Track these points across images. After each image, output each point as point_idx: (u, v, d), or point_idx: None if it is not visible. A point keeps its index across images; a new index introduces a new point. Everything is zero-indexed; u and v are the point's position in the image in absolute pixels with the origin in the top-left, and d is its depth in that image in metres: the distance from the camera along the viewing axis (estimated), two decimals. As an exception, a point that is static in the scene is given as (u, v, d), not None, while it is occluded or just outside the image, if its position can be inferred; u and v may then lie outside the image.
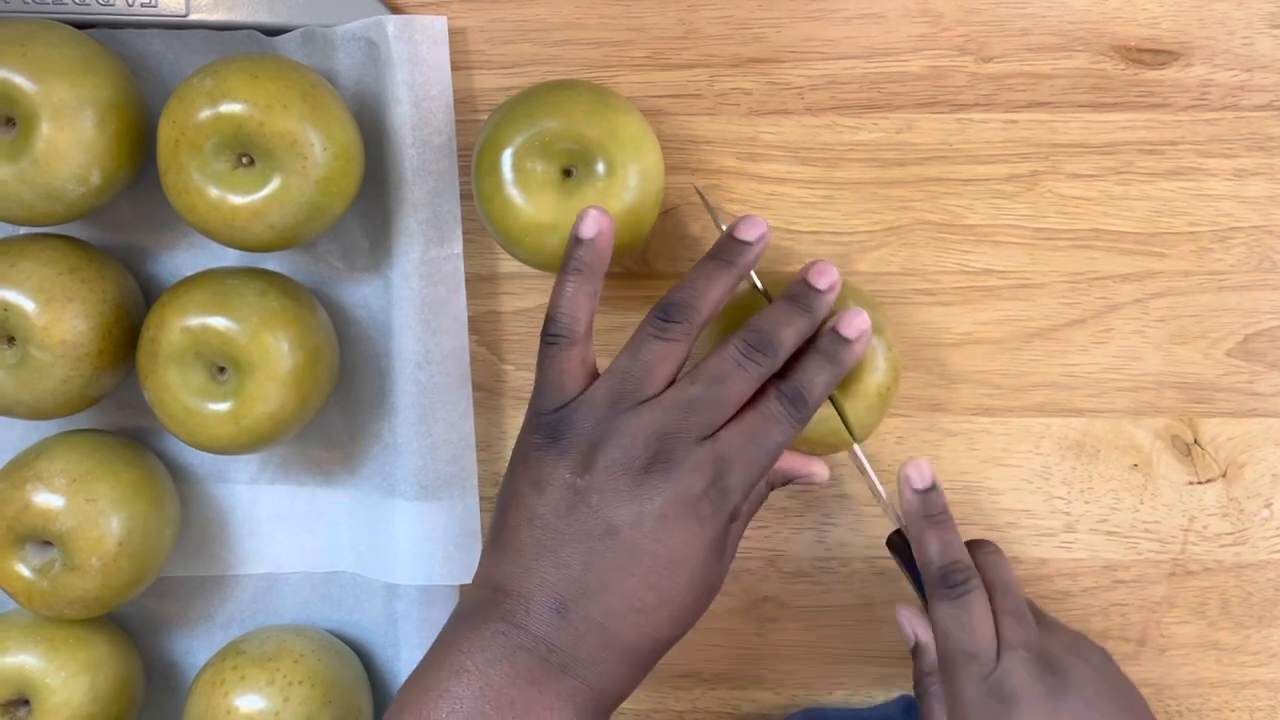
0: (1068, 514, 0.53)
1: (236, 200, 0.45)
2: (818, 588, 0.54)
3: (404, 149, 0.49)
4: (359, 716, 0.52)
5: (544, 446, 0.42)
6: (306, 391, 0.48)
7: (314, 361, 0.48)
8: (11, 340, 0.47)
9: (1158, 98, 0.50)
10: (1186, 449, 0.53)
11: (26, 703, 0.50)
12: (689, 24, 0.50)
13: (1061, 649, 0.45)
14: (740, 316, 0.45)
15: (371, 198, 0.51)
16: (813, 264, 0.45)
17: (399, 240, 0.50)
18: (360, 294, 0.52)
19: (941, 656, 0.45)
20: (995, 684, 0.43)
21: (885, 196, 0.51)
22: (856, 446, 0.47)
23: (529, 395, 0.44)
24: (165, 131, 0.45)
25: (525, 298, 0.52)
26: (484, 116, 0.51)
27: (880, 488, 0.48)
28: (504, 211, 0.46)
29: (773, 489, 0.48)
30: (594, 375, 0.43)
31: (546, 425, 0.42)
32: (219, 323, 0.46)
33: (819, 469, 0.48)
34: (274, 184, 0.45)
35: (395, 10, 0.49)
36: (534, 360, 0.44)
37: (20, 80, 0.44)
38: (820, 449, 0.48)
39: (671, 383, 0.43)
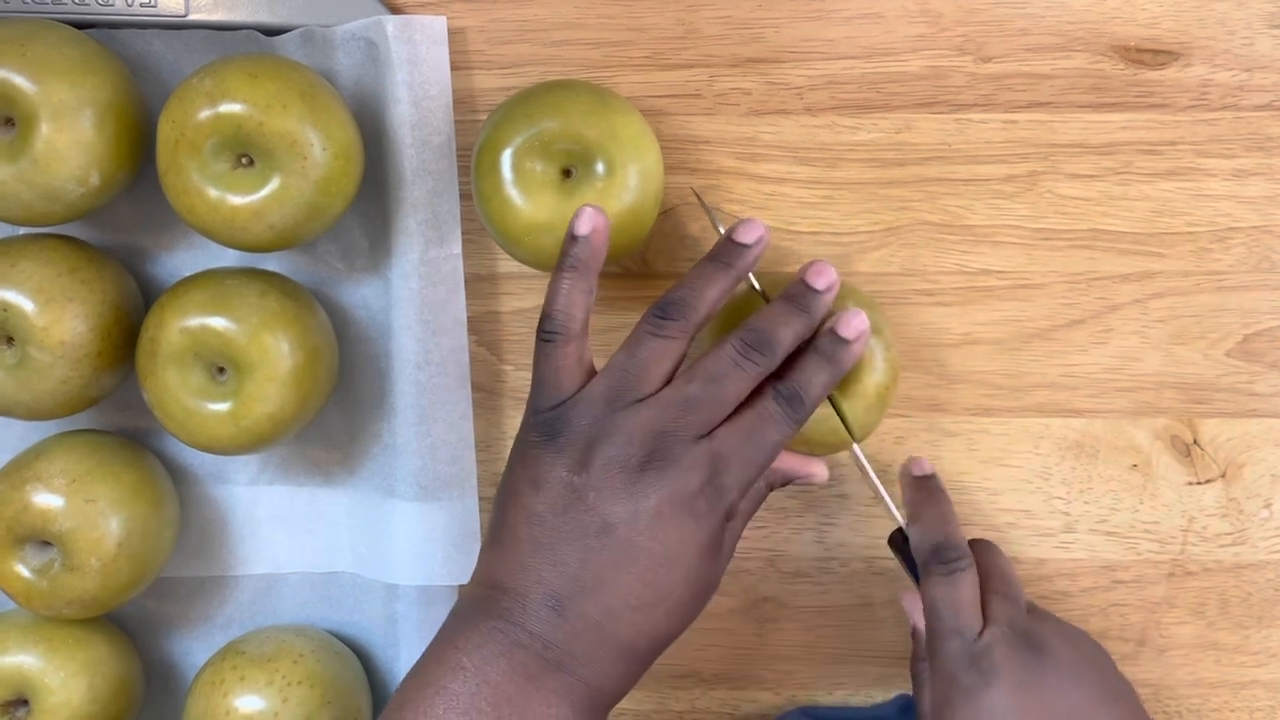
0: (1067, 514, 0.53)
1: (236, 200, 0.45)
2: (817, 588, 0.54)
3: (403, 149, 0.49)
4: (358, 717, 0.52)
5: (541, 444, 0.42)
6: (306, 392, 0.48)
7: (313, 362, 0.48)
8: (11, 341, 0.47)
9: (1157, 98, 0.50)
10: (1186, 449, 0.53)
11: (25, 703, 0.50)
12: (688, 24, 0.50)
13: (1049, 632, 0.45)
14: (738, 317, 0.45)
15: (371, 198, 0.51)
16: (811, 264, 0.45)
17: (398, 240, 0.50)
18: (359, 294, 0.52)
19: (928, 633, 0.46)
20: (975, 657, 0.44)
21: (884, 197, 0.51)
22: (856, 446, 0.47)
23: (528, 395, 0.44)
24: (164, 132, 0.45)
25: (524, 298, 0.52)
26: (483, 116, 0.51)
27: (880, 487, 0.48)
28: (503, 212, 0.46)
29: (772, 489, 0.48)
30: (591, 373, 0.43)
31: (544, 423, 0.42)
32: (218, 323, 0.46)
33: (819, 469, 0.48)
34: (273, 184, 0.45)
35: (394, 10, 0.49)
36: (532, 360, 0.44)
37: (20, 80, 0.44)
38: (819, 449, 0.48)
39: (669, 381, 0.43)
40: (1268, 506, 0.53)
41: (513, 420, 0.53)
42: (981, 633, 0.44)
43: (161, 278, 0.52)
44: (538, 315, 0.47)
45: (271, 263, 0.51)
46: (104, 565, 0.48)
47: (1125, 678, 0.46)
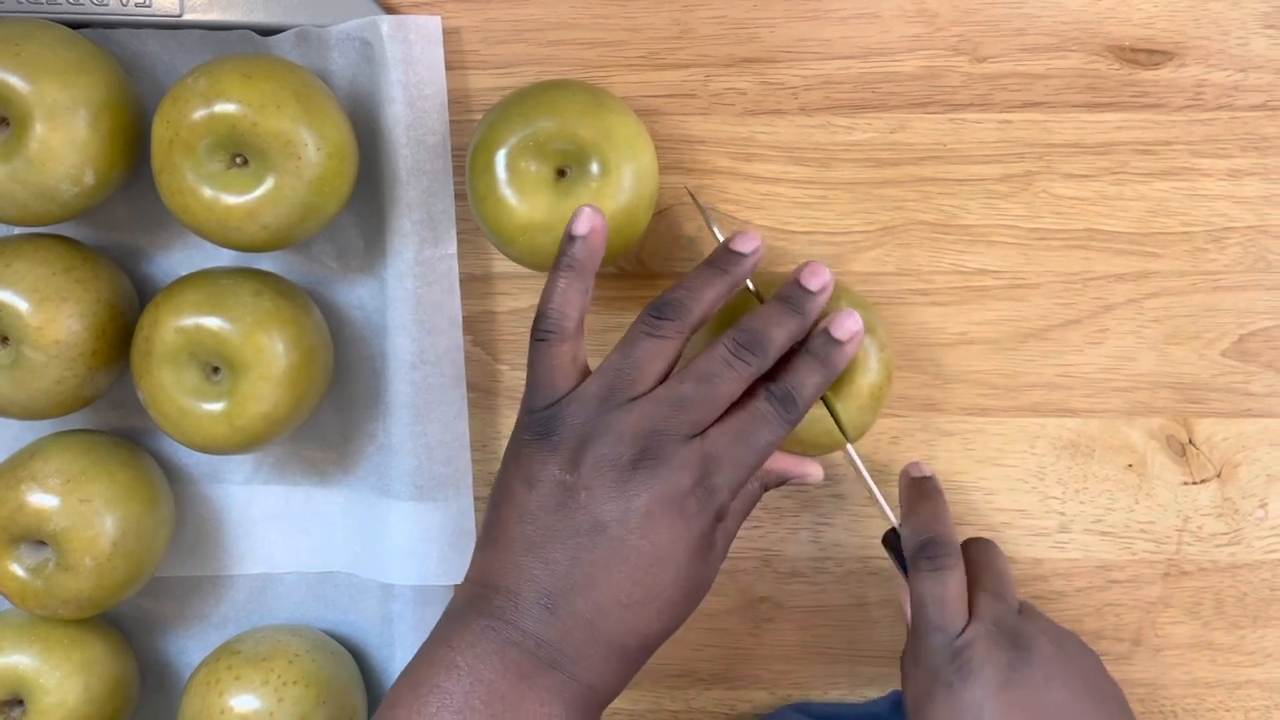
0: (1062, 514, 0.53)
1: (230, 200, 0.45)
2: (813, 588, 0.54)
3: (398, 149, 0.49)
4: (353, 716, 0.52)
5: (535, 443, 0.42)
6: (301, 392, 0.48)
7: (308, 362, 0.48)
8: (5, 340, 0.47)
9: (1152, 98, 0.50)
10: (1181, 449, 0.53)
11: (21, 703, 0.50)
12: (684, 24, 0.50)
13: (1034, 630, 0.45)
14: (733, 317, 0.45)
15: (366, 198, 0.51)
16: (805, 265, 0.45)
17: (393, 240, 0.50)
18: (355, 294, 0.52)
19: (913, 627, 0.46)
20: (956, 651, 0.44)
21: (880, 196, 0.51)
22: (850, 446, 0.47)
23: (523, 394, 0.44)
24: (159, 131, 0.45)
25: (520, 298, 0.52)
26: (478, 116, 0.51)
27: (874, 487, 0.48)
28: (498, 211, 0.46)
29: (766, 490, 0.47)
30: (585, 373, 0.44)
31: (537, 422, 0.43)
32: (213, 323, 0.46)
33: (813, 470, 0.48)
34: (268, 184, 0.45)
35: (389, 10, 0.49)
36: (527, 359, 0.44)
37: (14, 80, 0.44)
38: (813, 449, 0.48)
39: (663, 381, 0.43)
40: (1263, 506, 0.53)
41: (508, 420, 0.53)
42: (965, 629, 0.45)
43: (156, 277, 0.52)
44: (533, 315, 0.47)
45: (266, 262, 0.51)
46: (99, 565, 0.48)
47: (1114, 680, 0.46)
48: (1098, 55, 0.50)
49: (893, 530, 0.48)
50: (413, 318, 0.50)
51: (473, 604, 0.41)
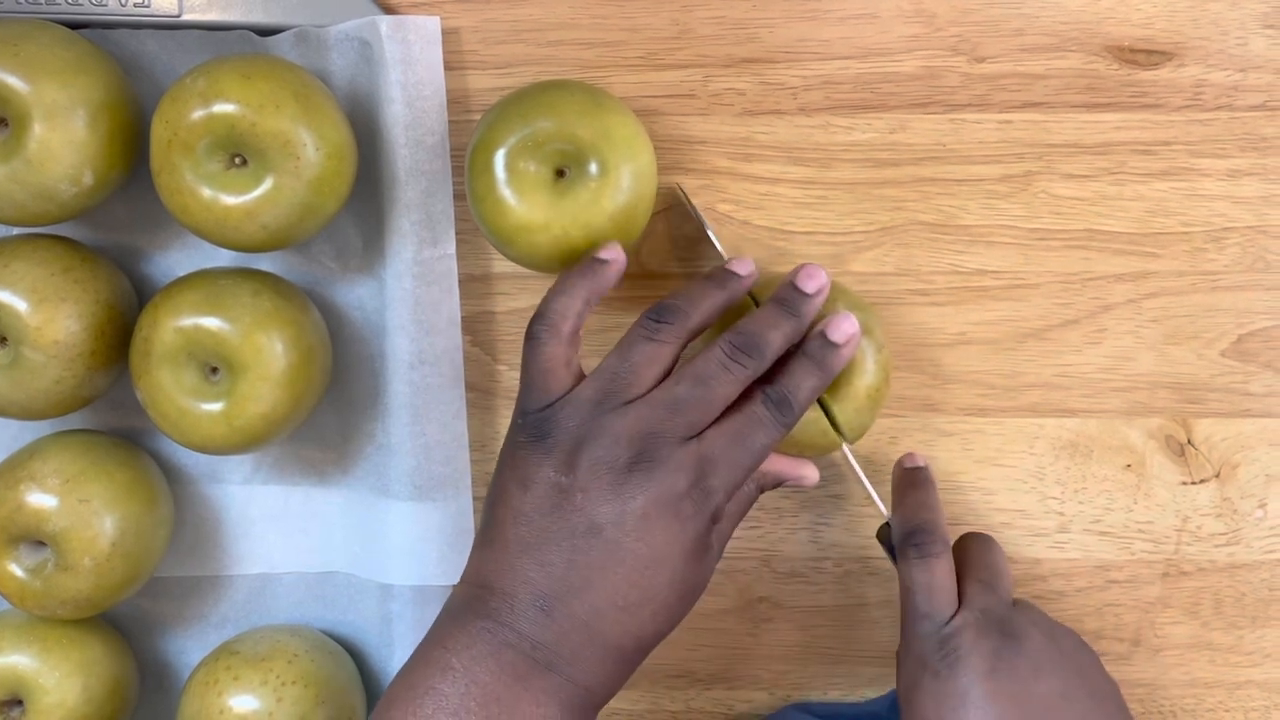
0: (1061, 514, 0.53)
1: (229, 200, 0.45)
2: (812, 588, 0.54)
3: (397, 149, 0.49)
4: (352, 717, 0.52)
5: (529, 445, 0.42)
6: (300, 392, 0.48)
7: (307, 362, 0.48)
8: (4, 340, 0.47)
9: (1151, 98, 0.50)
10: (1180, 449, 0.53)
11: (20, 703, 0.50)
12: (683, 24, 0.50)
13: (1026, 621, 0.45)
14: (729, 320, 0.45)
15: (364, 198, 0.51)
16: (801, 267, 0.45)
17: (392, 240, 0.50)
18: (353, 294, 0.52)
19: (902, 615, 0.46)
20: (944, 639, 0.44)
21: (879, 197, 0.51)
22: (846, 447, 0.47)
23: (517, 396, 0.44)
24: (158, 132, 0.45)
25: (518, 298, 0.52)
26: (477, 117, 0.51)
27: (871, 488, 0.48)
28: (497, 212, 0.46)
29: (763, 491, 0.48)
30: (579, 377, 0.44)
31: (532, 424, 0.43)
32: (212, 323, 0.46)
33: (809, 472, 0.48)
34: (267, 184, 0.45)
35: (388, 10, 0.49)
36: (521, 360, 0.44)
37: (13, 80, 0.44)
38: (810, 450, 0.48)
39: (659, 384, 0.43)
40: (1262, 506, 0.53)
41: (506, 420, 0.53)
42: (953, 617, 0.45)
43: (155, 277, 0.52)
44: (531, 315, 0.47)
45: (265, 262, 0.51)
46: (98, 565, 0.48)
47: (1111, 679, 0.46)
48: (1097, 55, 0.50)
49: (886, 524, 0.49)
50: (411, 318, 0.50)
51: (469, 605, 0.41)
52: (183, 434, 0.47)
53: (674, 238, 0.52)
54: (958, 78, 0.50)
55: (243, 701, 0.49)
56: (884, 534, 0.49)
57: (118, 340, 0.49)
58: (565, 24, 0.50)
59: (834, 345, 0.44)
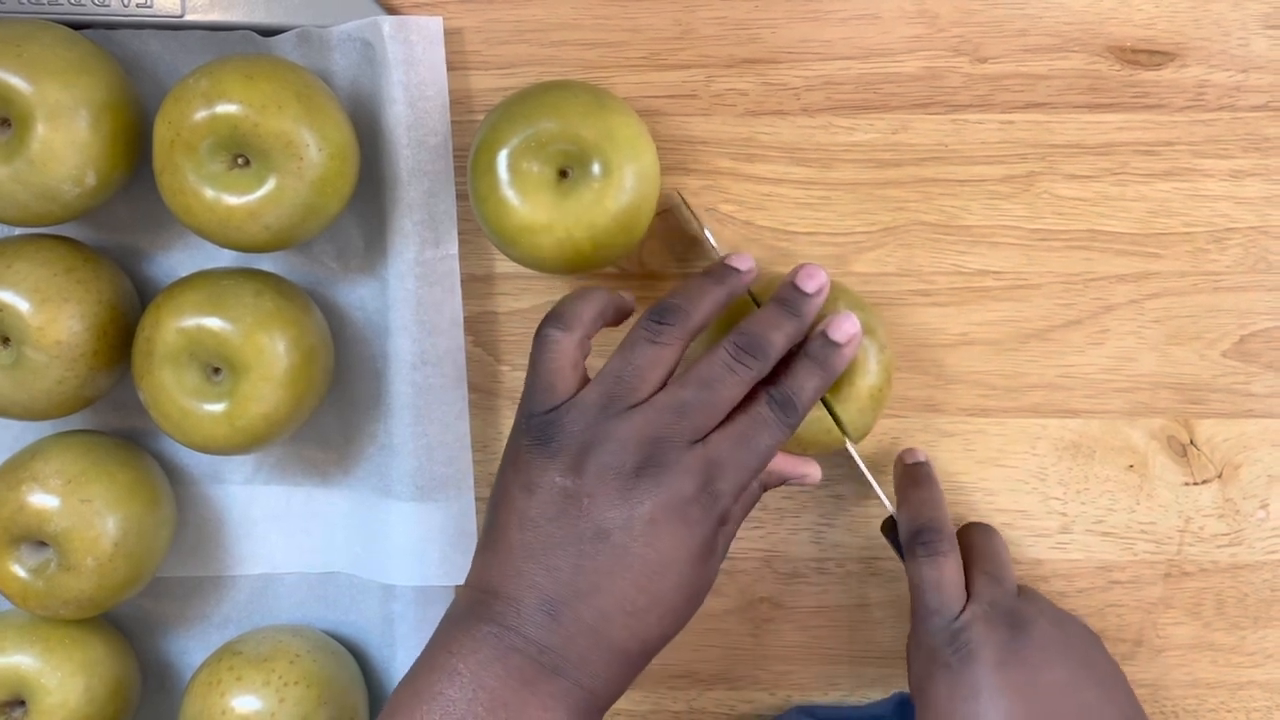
0: (1064, 515, 0.53)
1: (232, 201, 0.45)
2: (814, 588, 0.54)
3: (399, 149, 0.49)
4: (354, 717, 0.52)
5: (534, 448, 0.42)
6: (301, 392, 0.48)
7: (309, 362, 0.48)
8: (6, 341, 0.47)
9: (1153, 99, 0.50)
10: (1182, 450, 0.53)
11: (22, 703, 0.50)
12: (685, 25, 0.50)
13: (1033, 611, 0.46)
14: (731, 321, 0.45)
15: (367, 198, 0.51)
16: (800, 267, 0.45)
17: (394, 241, 0.50)
18: (356, 295, 0.52)
19: (912, 612, 0.47)
20: (954, 633, 0.45)
21: (881, 197, 0.51)
22: (850, 446, 0.47)
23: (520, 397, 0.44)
24: (161, 132, 0.45)
25: (521, 298, 0.52)
26: (480, 117, 0.51)
27: (875, 483, 0.49)
28: (500, 212, 0.46)
29: (766, 490, 0.48)
30: (585, 381, 0.44)
31: (536, 427, 0.42)
32: (214, 323, 0.46)
33: (812, 470, 0.48)
34: (269, 185, 0.45)
35: (391, 11, 0.49)
36: (529, 360, 0.44)
37: (15, 81, 0.44)
38: (813, 449, 0.48)
39: (663, 387, 0.43)
40: (1264, 507, 0.53)
41: (509, 421, 0.53)
42: (962, 611, 0.45)
43: (157, 278, 0.52)
44: (535, 316, 0.48)
45: (267, 263, 0.51)
46: (100, 565, 0.48)
47: (1116, 663, 0.47)
48: (1099, 56, 0.50)
49: (890, 517, 0.49)
50: (414, 318, 0.50)
51: (473, 609, 0.41)
52: (185, 434, 0.47)
53: (677, 238, 0.52)
54: (960, 78, 0.50)
55: (245, 702, 0.49)
56: (888, 528, 0.49)
57: (120, 341, 0.49)
58: (568, 24, 0.50)
59: (836, 345, 0.44)
